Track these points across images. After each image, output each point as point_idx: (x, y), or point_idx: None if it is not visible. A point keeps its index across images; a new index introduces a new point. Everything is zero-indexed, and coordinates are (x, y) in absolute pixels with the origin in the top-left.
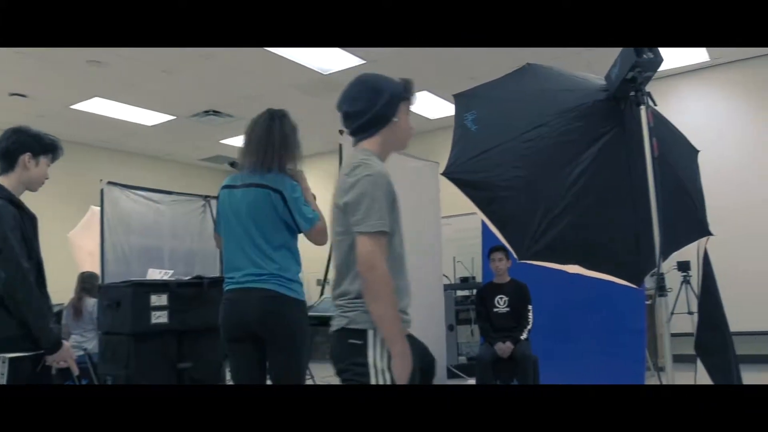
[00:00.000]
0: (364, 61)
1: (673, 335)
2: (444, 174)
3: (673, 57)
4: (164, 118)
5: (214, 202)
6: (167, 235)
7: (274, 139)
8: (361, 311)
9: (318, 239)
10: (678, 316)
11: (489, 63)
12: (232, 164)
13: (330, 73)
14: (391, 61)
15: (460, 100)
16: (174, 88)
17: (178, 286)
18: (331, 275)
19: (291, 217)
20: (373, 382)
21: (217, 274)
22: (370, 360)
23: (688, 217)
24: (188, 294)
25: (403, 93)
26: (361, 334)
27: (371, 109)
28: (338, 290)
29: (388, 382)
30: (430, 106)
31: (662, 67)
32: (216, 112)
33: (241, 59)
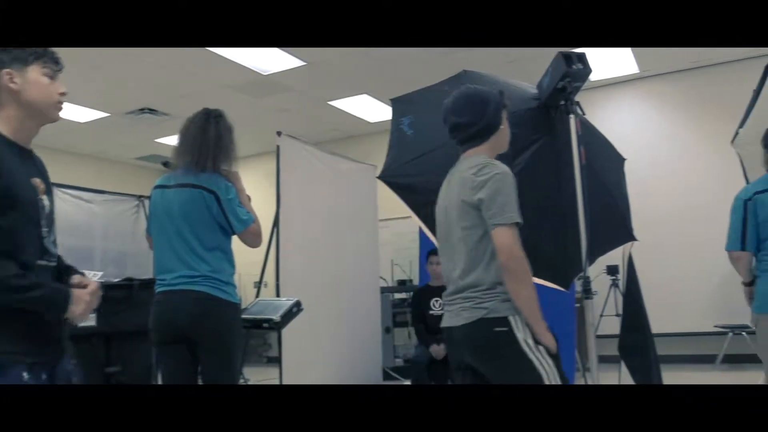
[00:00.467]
0: (304, 63)
1: (602, 337)
2: (380, 177)
3: (604, 68)
4: (97, 115)
5: (147, 203)
6: (99, 235)
7: (208, 139)
8: (499, 300)
9: (251, 241)
10: (607, 318)
11: (427, 67)
12: (165, 164)
13: (269, 74)
14: (331, 64)
15: (397, 104)
16: (107, 84)
17: (106, 288)
18: (451, 268)
19: (225, 219)
20: (532, 358)
21: (150, 275)
22: (521, 341)
23: (614, 223)
24: (117, 296)
25: (504, 101)
26: (505, 321)
27: (482, 119)
28: (466, 281)
29: (545, 356)
30: (369, 109)
31: (595, 78)
32: (152, 110)
33: (179, 57)
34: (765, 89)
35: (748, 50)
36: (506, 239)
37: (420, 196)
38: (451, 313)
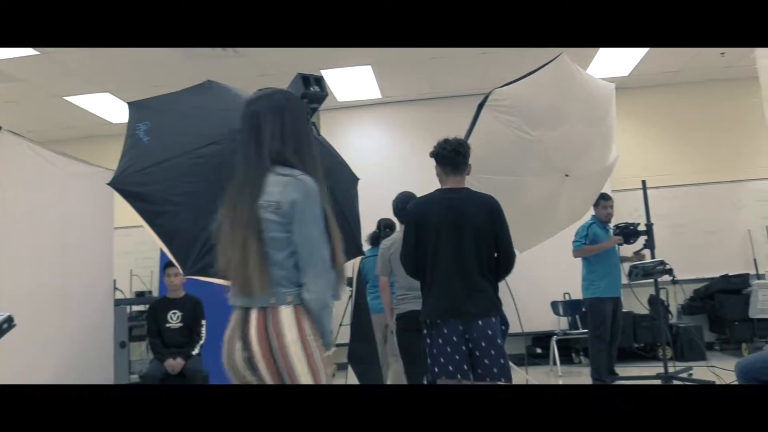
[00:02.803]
0: (37, 52)
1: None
2: (110, 184)
3: (348, 91)
4: None
5: None
6: None
7: None
8: None
9: None
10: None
11: (174, 72)
12: None
13: None
14: (69, 57)
15: (134, 108)
16: None
17: None
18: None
19: None
20: None
21: None
22: None
23: (346, 239)
24: None
25: None
26: None
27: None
28: None
29: None
30: (112, 109)
31: (341, 99)
32: None
33: None
34: (478, 124)
35: (479, 87)
36: None
37: (152, 206)
38: None
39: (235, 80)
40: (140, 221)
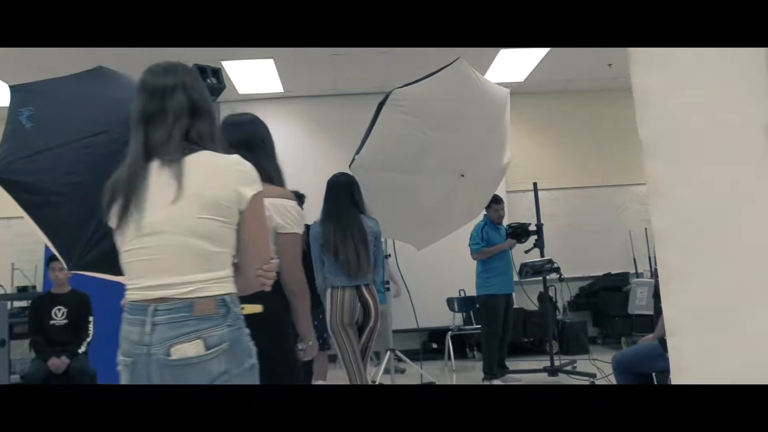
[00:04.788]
0: None
1: None
2: None
3: (250, 83)
4: None
5: None
6: None
7: None
8: None
9: None
10: None
11: (65, 54)
12: None
13: None
14: None
15: (16, 92)
16: None
17: None
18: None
19: None
20: None
21: None
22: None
23: None
24: None
25: None
26: None
27: None
28: None
29: None
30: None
31: (242, 92)
32: None
33: None
34: (378, 123)
35: (381, 86)
36: None
37: (34, 196)
38: None
39: (131, 68)
40: (21, 211)
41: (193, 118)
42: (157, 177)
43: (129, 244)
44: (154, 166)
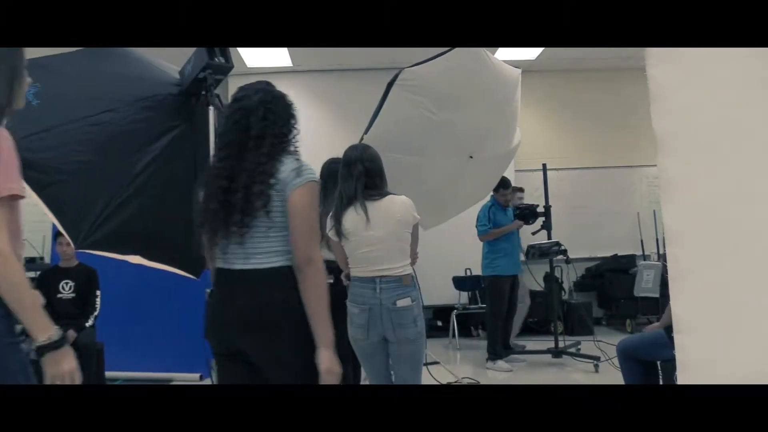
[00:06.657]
0: None
1: None
2: None
3: (258, 58)
4: None
5: None
6: None
7: None
8: None
9: None
10: None
11: None
12: None
13: None
14: None
15: None
16: None
17: None
18: None
19: None
20: None
21: None
22: None
23: None
24: None
25: None
26: None
27: None
28: None
29: None
30: None
31: (251, 65)
32: None
33: None
34: (387, 103)
35: (392, 60)
36: None
37: (41, 174)
38: None
39: None
40: (27, 188)
41: None
42: None
43: None
44: None
